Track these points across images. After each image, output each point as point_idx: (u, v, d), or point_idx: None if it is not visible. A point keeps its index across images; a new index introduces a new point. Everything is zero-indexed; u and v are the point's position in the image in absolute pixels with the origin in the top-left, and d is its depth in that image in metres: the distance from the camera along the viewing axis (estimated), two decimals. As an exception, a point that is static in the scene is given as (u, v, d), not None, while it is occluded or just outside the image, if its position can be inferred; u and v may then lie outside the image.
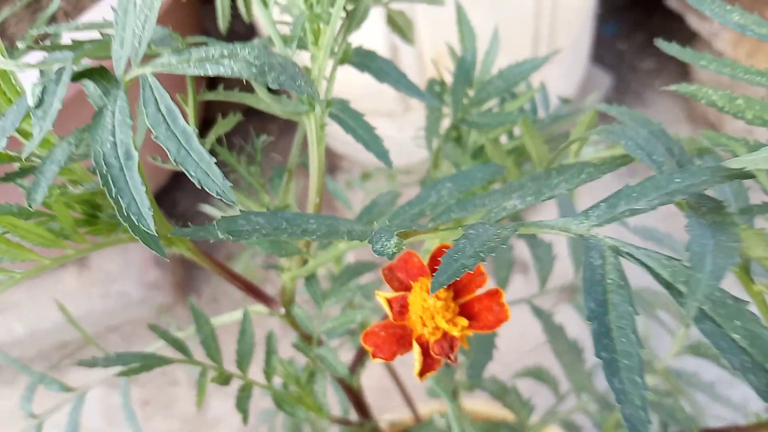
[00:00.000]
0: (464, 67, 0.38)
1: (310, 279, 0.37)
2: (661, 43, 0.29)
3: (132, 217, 0.21)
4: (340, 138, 1.15)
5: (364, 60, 0.35)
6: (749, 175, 0.21)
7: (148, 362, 0.35)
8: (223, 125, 0.35)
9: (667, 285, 0.19)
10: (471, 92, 0.39)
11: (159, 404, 1.10)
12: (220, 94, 0.32)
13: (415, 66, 0.96)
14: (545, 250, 0.46)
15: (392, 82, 0.35)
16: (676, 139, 0.26)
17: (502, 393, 0.44)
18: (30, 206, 0.22)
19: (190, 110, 0.30)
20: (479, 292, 0.28)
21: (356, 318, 0.37)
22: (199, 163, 0.21)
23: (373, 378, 0.71)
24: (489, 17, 0.90)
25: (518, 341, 0.64)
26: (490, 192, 0.26)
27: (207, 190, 0.21)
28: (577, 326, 0.56)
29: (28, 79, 0.26)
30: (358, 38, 0.35)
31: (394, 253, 0.22)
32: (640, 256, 0.20)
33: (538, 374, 0.52)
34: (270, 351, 0.38)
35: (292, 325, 0.39)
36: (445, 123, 0.40)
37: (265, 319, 0.86)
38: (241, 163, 0.36)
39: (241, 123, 0.36)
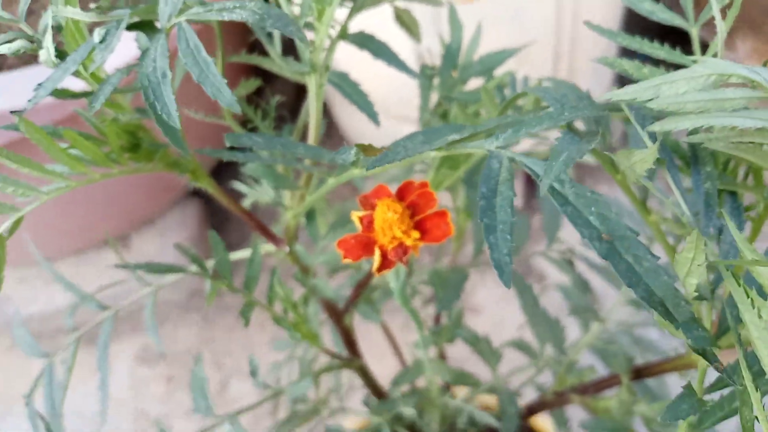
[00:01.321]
0: (450, 53, 0.46)
1: (310, 218, 0.45)
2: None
3: (164, 117, 0.29)
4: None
5: (364, 40, 0.42)
6: (618, 107, 0.27)
7: (172, 269, 0.43)
8: (245, 86, 0.43)
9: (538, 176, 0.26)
10: (455, 74, 0.46)
11: (182, 381, 1.18)
12: (242, 57, 0.40)
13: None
14: (522, 221, 0.52)
15: (386, 59, 0.43)
16: (592, 100, 0.33)
17: (474, 341, 0.50)
18: (90, 110, 0.30)
19: (218, 63, 0.38)
20: (430, 212, 0.35)
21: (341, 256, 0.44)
22: (215, 82, 0.29)
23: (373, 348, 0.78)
24: (511, 35, 0.97)
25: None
26: (442, 127, 0.33)
27: (217, 98, 0.29)
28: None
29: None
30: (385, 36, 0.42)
31: (354, 161, 0.30)
32: (523, 159, 0.27)
33: (520, 345, 0.58)
34: (273, 279, 0.45)
35: (294, 261, 0.47)
36: (434, 100, 0.48)
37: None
38: (257, 116, 0.44)
39: (261, 88, 0.44)
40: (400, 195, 0.36)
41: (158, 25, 0.32)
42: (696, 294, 0.24)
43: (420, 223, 0.35)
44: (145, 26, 0.33)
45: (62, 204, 1.06)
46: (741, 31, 1.12)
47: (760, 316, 0.23)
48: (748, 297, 0.23)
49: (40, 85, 0.33)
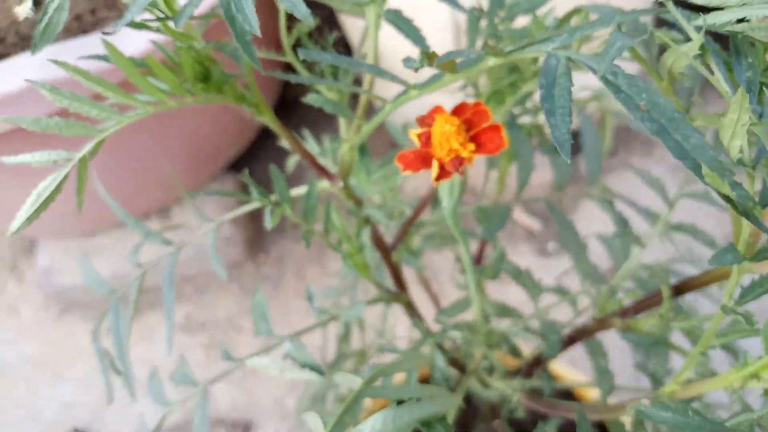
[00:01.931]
0: (496, -6, 0.48)
1: (363, 152, 0.47)
2: None
3: (245, 27, 0.32)
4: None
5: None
6: (662, 12, 0.30)
7: (241, 195, 0.46)
8: (305, 25, 0.46)
9: (593, 70, 0.29)
10: (502, 14, 0.49)
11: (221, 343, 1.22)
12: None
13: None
14: (563, 161, 0.55)
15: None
16: (630, 12, 0.35)
17: (518, 274, 0.53)
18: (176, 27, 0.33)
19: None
20: (484, 125, 0.37)
21: (397, 182, 0.47)
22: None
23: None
24: None
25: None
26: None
27: (293, 11, 0.31)
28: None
29: None
30: None
31: (419, 66, 0.32)
32: (579, 57, 0.29)
33: (558, 290, 0.61)
34: (328, 211, 0.48)
35: (348, 196, 0.50)
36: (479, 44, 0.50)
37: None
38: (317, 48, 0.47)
39: (318, 27, 0.47)
40: (456, 113, 0.39)
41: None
42: (740, 155, 0.26)
43: (475, 136, 0.38)
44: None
45: (105, 175, 1.10)
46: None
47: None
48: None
49: (128, 11, 0.36)
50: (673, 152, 0.27)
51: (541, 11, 0.49)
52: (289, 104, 1.40)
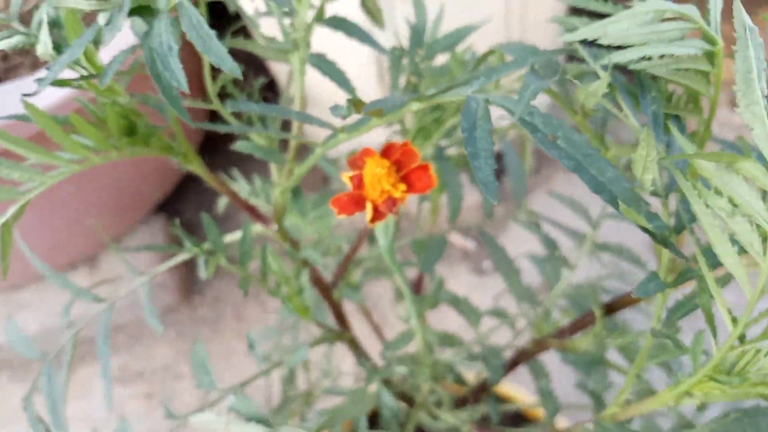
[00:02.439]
0: (417, 31, 0.50)
1: (297, 193, 0.48)
2: None
3: (172, 83, 0.32)
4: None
5: (338, 22, 0.46)
6: (570, 53, 0.32)
7: (171, 248, 0.45)
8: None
9: (511, 112, 0.30)
10: (422, 52, 0.50)
11: (163, 397, 1.19)
12: (228, 42, 0.43)
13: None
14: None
15: (359, 37, 0.46)
16: (542, 52, 0.37)
17: (456, 302, 0.54)
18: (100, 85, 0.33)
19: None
20: (413, 166, 0.38)
21: (330, 224, 0.47)
22: (218, 52, 0.32)
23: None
24: (462, 15, 1.02)
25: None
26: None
27: (221, 65, 0.32)
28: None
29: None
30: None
31: (346, 114, 0.33)
32: (497, 99, 0.31)
33: (494, 310, 0.62)
34: (265, 252, 0.48)
35: (283, 238, 0.50)
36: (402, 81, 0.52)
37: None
38: (243, 95, 0.47)
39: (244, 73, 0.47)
40: (385, 154, 0.39)
41: (159, 5, 0.35)
42: (652, 188, 0.28)
43: (405, 176, 0.38)
44: (143, 10, 0.36)
45: (26, 227, 1.06)
46: None
47: (707, 205, 0.27)
48: (695, 189, 0.27)
49: (47, 68, 0.35)
50: (590, 186, 0.29)
51: (459, 48, 0.51)
52: (215, 142, 1.38)
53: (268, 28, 0.47)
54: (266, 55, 0.43)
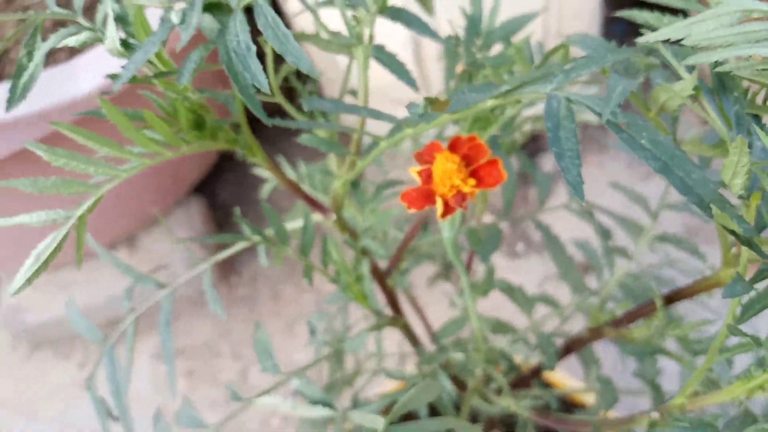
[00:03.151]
0: (473, 22, 0.50)
1: (356, 186, 0.48)
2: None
3: (253, 83, 0.32)
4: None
5: (397, 13, 0.46)
6: (653, 48, 0.31)
7: (234, 238, 0.46)
8: (290, 66, 0.46)
9: (598, 114, 0.30)
10: (479, 42, 0.50)
11: (202, 374, 1.21)
12: (294, 35, 0.44)
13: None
14: (544, 177, 0.57)
15: (417, 29, 0.46)
16: (621, 50, 0.37)
17: (510, 290, 0.54)
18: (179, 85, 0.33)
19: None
20: (483, 161, 0.39)
21: (391, 215, 0.48)
22: (295, 52, 0.33)
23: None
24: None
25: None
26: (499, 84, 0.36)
27: (298, 65, 0.32)
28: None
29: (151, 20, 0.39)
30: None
31: (422, 113, 0.33)
32: (580, 99, 0.31)
33: (544, 298, 0.62)
34: (325, 244, 0.49)
35: (342, 228, 0.50)
36: (459, 68, 0.52)
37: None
38: (305, 91, 0.47)
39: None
40: (452, 149, 0.40)
41: (231, 4, 0.35)
42: (741, 192, 0.28)
43: (474, 171, 0.39)
44: (214, 8, 0.36)
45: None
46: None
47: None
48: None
49: (122, 67, 0.36)
50: (677, 188, 0.29)
51: (516, 38, 0.50)
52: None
53: (305, 22, 0.47)
54: (328, 49, 0.43)
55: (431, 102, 0.33)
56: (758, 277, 0.31)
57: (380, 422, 0.34)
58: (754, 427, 0.31)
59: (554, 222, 1.23)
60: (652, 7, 0.39)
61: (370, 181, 0.65)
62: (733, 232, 0.28)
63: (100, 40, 0.43)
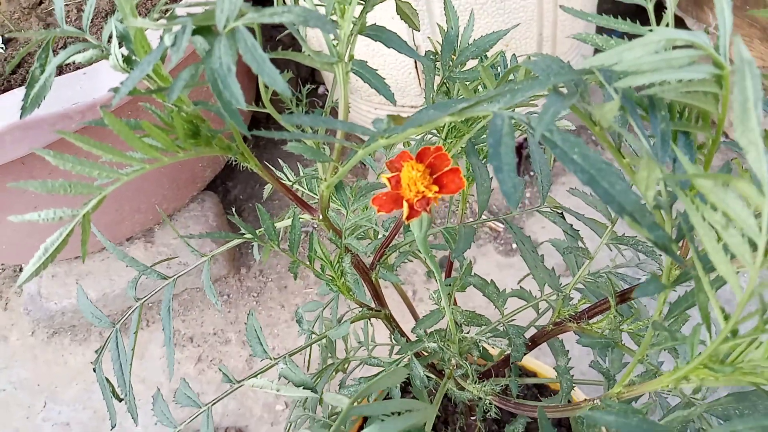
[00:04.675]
0: (449, 39, 0.53)
1: (339, 189, 0.52)
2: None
3: (231, 102, 0.36)
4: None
5: (377, 32, 0.50)
6: (591, 72, 0.35)
7: (227, 236, 0.50)
8: (285, 76, 0.51)
9: (533, 130, 0.34)
10: (454, 57, 0.54)
11: (211, 360, 1.27)
12: (279, 54, 0.48)
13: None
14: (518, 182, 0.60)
15: (396, 47, 0.50)
16: (572, 68, 0.40)
17: (483, 286, 0.58)
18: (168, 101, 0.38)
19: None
20: (445, 169, 0.43)
21: (372, 215, 0.52)
22: (271, 74, 0.37)
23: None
24: (497, 21, 1.05)
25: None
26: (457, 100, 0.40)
27: (273, 86, 0.36)
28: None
29: (152, 39, 0.43)
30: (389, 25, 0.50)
31: (386, 128, 0.37)
32: (521, 118, 0.34)
33: (517, 292, 0.66)
34: (311, 241, 0.53)
35: (327, 226, 0.55)
36: (437, 82, 0.55)
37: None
38: (293, 102, 0.52)
39: (293, 80, 0.52)
40: (420, 158, 0.44)
41: (218, 28, 0.39)
42: (654, 203, 0.32)
43: (438, 179, 0.43)
44: (204, 31, 0.40)
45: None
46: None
47: (704, 218, 0.31)
48: (694, 204, 0.31)
49: (121, 83, 0.40)
50: (601, 197, 0.33)
51: (490, 53, 0.54)
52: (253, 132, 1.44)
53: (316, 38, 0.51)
54: (314, 65, 0.47)
55: (393, 119, 0.37)
56: (680, 280, 0.35)
57: (345, 401, 0.38)
58: (677, 413, 0.35)
59: (537, 222, 1.26)
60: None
61: (367, 182, 0.69)
62: (650, 239, 0.32)
63: (105, 57, 0.47)
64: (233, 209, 1.39)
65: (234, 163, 1.42)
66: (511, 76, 0.58)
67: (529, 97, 0.37)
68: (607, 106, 0.34)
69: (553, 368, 0.60)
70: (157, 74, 0.45)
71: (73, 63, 1.06)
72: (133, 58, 0.45)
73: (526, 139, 1.45)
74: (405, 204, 0.42)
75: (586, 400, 0.41)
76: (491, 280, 0.60)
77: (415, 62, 1.13)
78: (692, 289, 0.36)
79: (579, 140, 0.34)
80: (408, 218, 0.42)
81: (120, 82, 0.41)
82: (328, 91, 1.38)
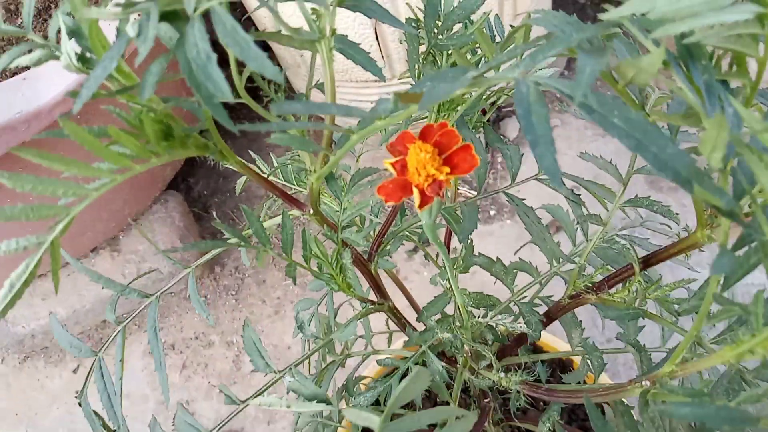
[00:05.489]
0: (432, 3, 0.49)
1: (331, 179, 0.48)
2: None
3: (215, 92, 0.31)
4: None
5: (356, 3, 0.45)
6: (619, 24, 0.31)
7: (215, 245, 0.46)
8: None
9: (569, 96, 0.30)
10: (439, 23, 0.50)
11: (197, 366, 1.21)
12: (254, 34, 0.43)
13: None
14: (514, 151, 0.57)
15: (379, 16, 0.46)
16: (585, 24, 0.36)
17: (490, 265, 0.54)
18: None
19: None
20: (455, 147, 0.38)
21: (369, 203, 0.47)
22: (257, 57, 0.32)
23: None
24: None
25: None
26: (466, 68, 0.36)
27: (262, 72, 0.31)
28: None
29: (106, 32, 0.37)
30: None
31: (393, 109, 0.33)
32: (548, 81, 0.30)
33: (522, 266, 0.63)
34: (305, 239, 0.48)
35: (320, 221, 0.50)
36: (422, 50, 0.51)
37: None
38: (270, 89, 0.47)
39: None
40: (424, 137, 0.39)
41: (188, 12, 0.34)
42: (721, 165, 0.28)
43: (448, 158, 0.39)
44: (170, 16, 0.35)
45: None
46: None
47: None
48: (755, 155, 0.27)
49: (83, 86, 0.35)
50: (652, 164, 0.29)
51: (475, 16, 0.50)
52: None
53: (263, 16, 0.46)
54: (291, 45, 0.42)
55: (401, 96, 0.33)
56: (739, 245, 0.32)
57: (375, 421, 0.34)
58: (747, 393, 0.32)
59: (524, 188, 1.24)
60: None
61: (342, 167, 0.64)
62: (715, 206, 0.28)
63: (54, 57, 0.42)
64: (199, 207, 1.33)
65: (194, 158, 1.34)
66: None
67: (550, 57, 0.33)
68: (646, 60, 0.30)
69: (578, 344, 0.57)
70: (120, 72, 0.39)
71: (15, 68, 0.98)
72: (88, 55, 0.40)
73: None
74: (415, 190, 0.38)
75: (632, 381, 0.38)
76: (497, 258, 0.57)
77: (375, 32, 1.08)
78: (746, 254, 0.32)
79: (618, 101, 0.30)
80: (421, 206, 0.38)
81: (67, 84, 0.36)
82: (288, 78, 1.32)
